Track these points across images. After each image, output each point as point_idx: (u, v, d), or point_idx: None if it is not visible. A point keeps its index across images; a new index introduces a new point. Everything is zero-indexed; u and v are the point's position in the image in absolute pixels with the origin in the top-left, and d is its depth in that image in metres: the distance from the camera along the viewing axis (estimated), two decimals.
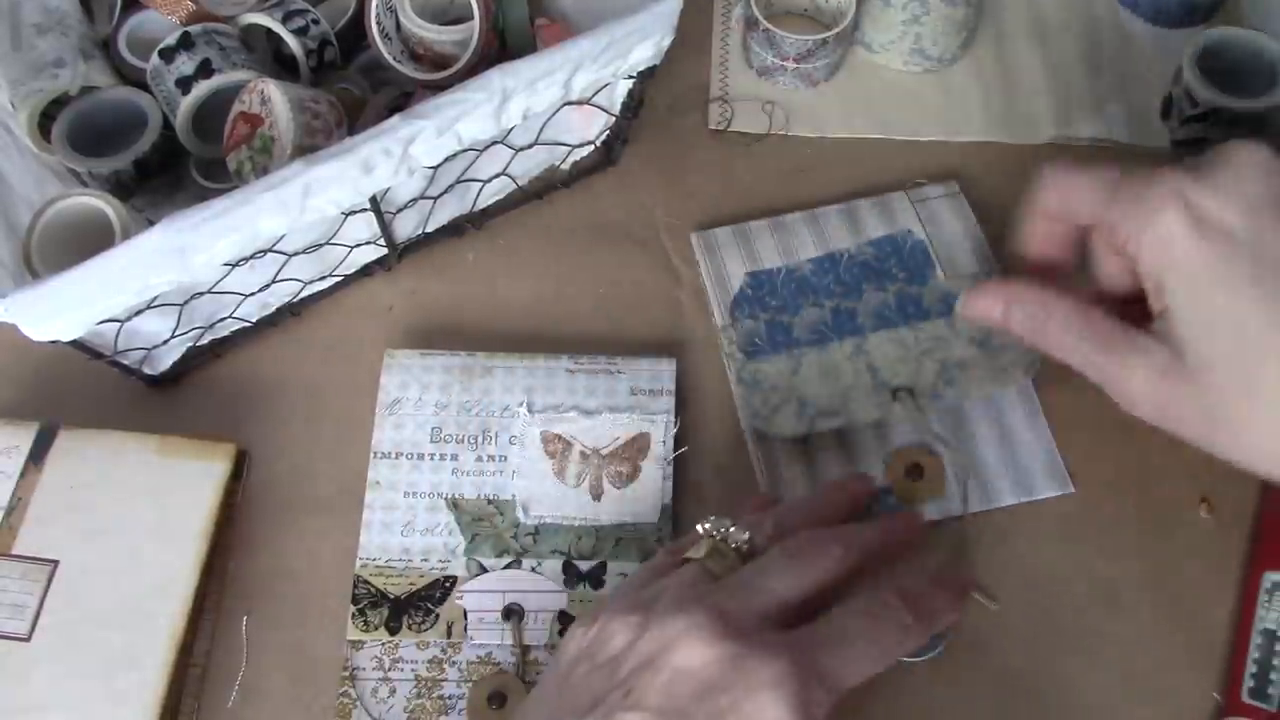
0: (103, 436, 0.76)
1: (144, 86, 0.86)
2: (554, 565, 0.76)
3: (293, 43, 0.86)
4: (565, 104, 0.80)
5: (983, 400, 0.81)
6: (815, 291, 0.86)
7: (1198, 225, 0.60)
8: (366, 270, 0.87)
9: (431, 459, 0.79)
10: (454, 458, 0.79)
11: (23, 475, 0.74)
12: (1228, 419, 0.61)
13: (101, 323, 0.72)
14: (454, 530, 0.77)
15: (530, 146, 0.83)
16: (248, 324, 0.83)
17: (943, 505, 0.79)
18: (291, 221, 0.73)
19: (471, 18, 0.83)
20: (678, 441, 0.80)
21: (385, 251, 0.86)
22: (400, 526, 0.77)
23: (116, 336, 0.75)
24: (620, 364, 0.82)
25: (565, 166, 0.90)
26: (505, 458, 0.79)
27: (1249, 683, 0.72)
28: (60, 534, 0.72)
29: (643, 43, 0.78)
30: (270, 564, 0.77)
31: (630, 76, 0.82)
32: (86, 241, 0.73)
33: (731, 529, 0.66)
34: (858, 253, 0.87)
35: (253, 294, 0.80)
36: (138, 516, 0.73)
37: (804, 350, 0.83)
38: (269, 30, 0.87)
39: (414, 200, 0.81)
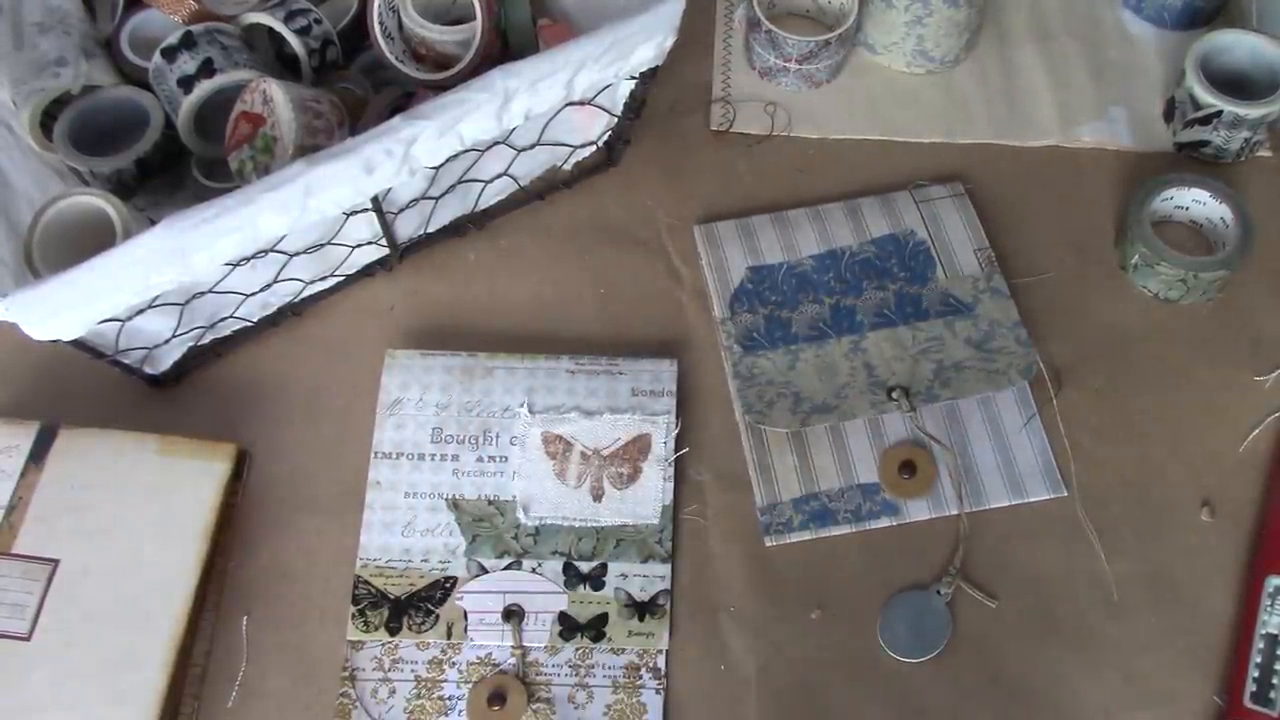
0: (103, 436, 0.76)
1: (146, 86, 0.86)
2: (554, 566, 0.76)
3: (295, 42, 0.86)
4: (567, 104, 0.80)
5: (978, 401, 0.82)
6: (815, 288, 0.86)
7: None
8: (368, 270, 0.87)
9: (432, 459, 0.79)
10: (455, 458, 0.79)
11: (23, 475, 0.74)
12: None
13: (103, 322, 0.72)
14: (454, 531, 0.77)
15: (532, 147, 0.83)
16: (249, 324, 0.83)
17: (934, 503, 0.79)
18: (293, 221, 0.73)
19: (474, 18, 0.82)
20: (678, 442, 0.80)
21: (386, 252, 0.86)
22: (401, 527, 0.77)
23: (117, 336, 0.75)
24: (621, 365, 0.82)
25: (567, 167, 0.90)
26: (506, 458, 0.79)
27: (1251, 687, 0.72)
28: (60, 533, 0.72)
29: (645, 43, 0.77)
30: (270, 564, 0.77)
31: (632, 77, 0.82)
32: (88, 241, 0.73)
33: None
34: (859, 250, 0.87)
35: (254, 294, 0.80)
36: (138, 516, 0.73)
37: (801, 346, 0.83)
38: (271, 30, 0.87)
39: (415, 200, 0.81)
